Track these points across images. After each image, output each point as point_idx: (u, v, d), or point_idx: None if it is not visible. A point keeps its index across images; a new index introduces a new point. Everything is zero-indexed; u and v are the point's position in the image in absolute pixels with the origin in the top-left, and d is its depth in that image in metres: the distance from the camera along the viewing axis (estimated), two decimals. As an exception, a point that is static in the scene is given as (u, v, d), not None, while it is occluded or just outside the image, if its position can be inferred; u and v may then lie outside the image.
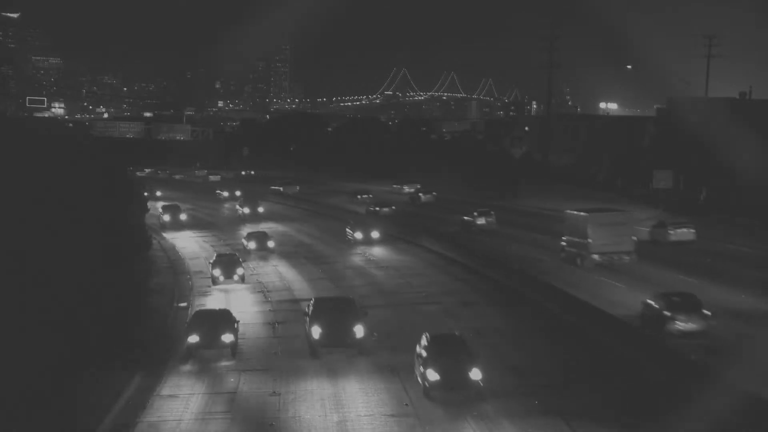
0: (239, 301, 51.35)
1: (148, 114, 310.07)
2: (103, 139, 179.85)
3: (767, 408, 26.64)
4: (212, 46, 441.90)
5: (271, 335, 43.03)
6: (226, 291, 54.42)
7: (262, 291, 54.55)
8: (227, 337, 37.98)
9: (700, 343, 37.60)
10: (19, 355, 30.67)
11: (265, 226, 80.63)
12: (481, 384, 31.11)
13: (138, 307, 46.53)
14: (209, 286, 55.60)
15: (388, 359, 36.80)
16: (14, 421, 28.27)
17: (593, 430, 28.66)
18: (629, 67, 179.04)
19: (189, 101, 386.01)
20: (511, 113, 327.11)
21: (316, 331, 37.83)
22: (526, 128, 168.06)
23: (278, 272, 61.11)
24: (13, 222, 36.49)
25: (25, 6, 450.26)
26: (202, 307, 47.00)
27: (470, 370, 31.18)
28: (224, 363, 37.32)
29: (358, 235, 72.22)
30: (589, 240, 56.52)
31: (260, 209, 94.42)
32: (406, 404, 31.17)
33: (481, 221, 78.97)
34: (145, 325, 44.09)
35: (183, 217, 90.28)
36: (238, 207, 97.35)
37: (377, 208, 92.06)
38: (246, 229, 77.27)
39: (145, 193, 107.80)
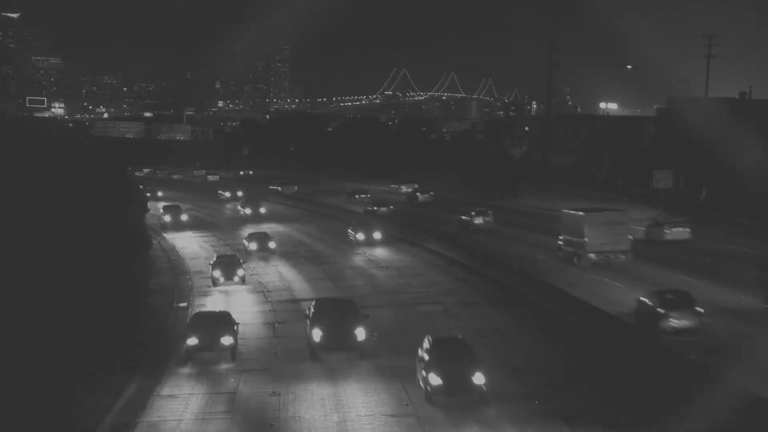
0: (239, 301, 51.37)
1: (148, 114, 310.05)
2: (103, 139, 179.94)
3: (767, 408, 26.64)
4: (212, 46, 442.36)
5: (271, 335, 43.03)
6: (226, 291, 54.41)
7: (262, 291, 54.55)
8: (227, 340, 37.54)
9: (694, 340, 37.90)
10: (19, 355, 30.65)
11: (266, 227, 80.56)
12: (485, 388, 30.53)
13: (138, 307, 46.53)
14: (209, 286, 55.58)
15: (388, 359, 36.78)
16: (14, 421, 28.26)
17: (593, 431, 28.70)
18: (629, 67, 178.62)
19: (189, 101, 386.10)
20: (511, 113, 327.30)
21: (316, 334, 37.29)
22: (526, 128, 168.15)
23: (278, 272, 61.10)
24: (13, 222, 36.46)
25: (25, 6, 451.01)
26: (202, 308, 47.03)
27: (473, 374, 30.48)
28: (224, 366, 37.02)
29: (360, 236, 71.76)
30: (586, 239, 56.90)
31: (262, 210, 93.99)
32: (406, 404, 31.13)
33: (478, 220, 79.74)
34: (145, 325, 44.12)
35: (184, 217, 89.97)
36: (239, 208, 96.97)
37: (375, 208, 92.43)
38: (247, 230, 77.21)
39: (147, 194, 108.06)
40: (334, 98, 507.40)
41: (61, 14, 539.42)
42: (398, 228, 77.09)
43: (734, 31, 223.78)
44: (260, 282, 57.31)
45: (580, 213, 59.29)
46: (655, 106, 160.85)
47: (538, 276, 51.14)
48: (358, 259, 66.27)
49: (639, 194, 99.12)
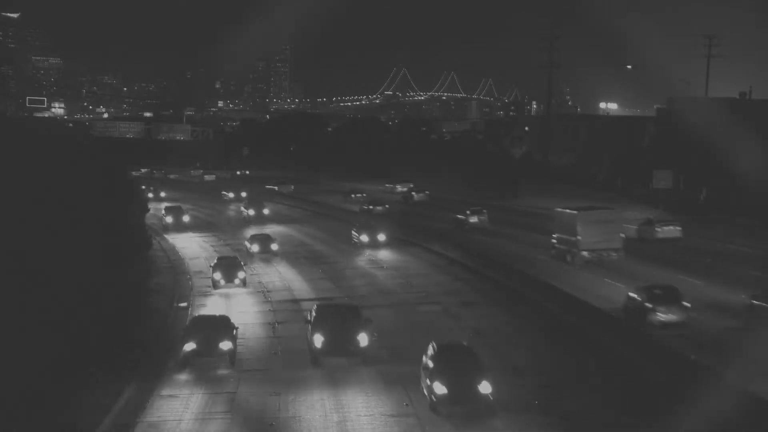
0: (239, 301, 51.35)
1: (148, 114, 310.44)
2: (103, 139, 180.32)
3: (767, 408, 26.64)
4: (212, 46, 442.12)
5: (271, 335, 43.02)
6: (226, 292, 54.32)
7: (262, 291, 54.50)
8: (225, 345, 36.39)
9: (681, 334, 38.72)
10: (19, 355, 30.64)
11: (267, 228, 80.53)
12: (491, 397, 29.50)
13: (138, 307, 46.49)
14: (209, 287, 55.50)
15: (387, 359, 36.77)
16: (14, 421, 28.26)
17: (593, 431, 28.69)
18: (629, 67, 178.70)
19: (189, 101, 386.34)
20: (511, 113, 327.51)
21: (318, 340, 36.16)
22: (526, 128, 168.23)
23: (278, 272, 61.06)
24: (13, 222, 36.45)
25: (25, 6, 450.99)
26: (203, 308, 47.00)
27: (480, 382, 29.45)
28: (223, 371, 36.07)
29: (364, 238, 70.81)
30: (579, 237, 57.77)
31: (265, 211, 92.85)
32: (406, 404, 31.11)
33: (473, 219, 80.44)
34: (145, 325, 44.07)
35: (186, 218, 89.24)
36: (242, 209, 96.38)
37: (371, 207, 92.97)
38: (249, 231, 77.09)
39: (150, 194, 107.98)
40: (334, 98, 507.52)
41: (61, 14, 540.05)
42: (397, 228, 77.11)
43: (734, 31, 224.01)
44: (260, 282, 57.27)
45: (574, 212, 60.09)
46: (655, 106, 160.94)
47: (538, 275, 51.19)
48: (359, 259, 66.26)
49: (639, 194, 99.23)
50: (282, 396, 32.45)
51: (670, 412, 28.07)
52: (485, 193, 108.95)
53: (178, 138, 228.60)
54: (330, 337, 36.10)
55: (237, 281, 54.65)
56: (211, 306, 49.65)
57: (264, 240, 68.44)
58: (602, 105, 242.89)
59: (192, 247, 75.42)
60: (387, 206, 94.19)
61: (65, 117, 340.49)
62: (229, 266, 55.64)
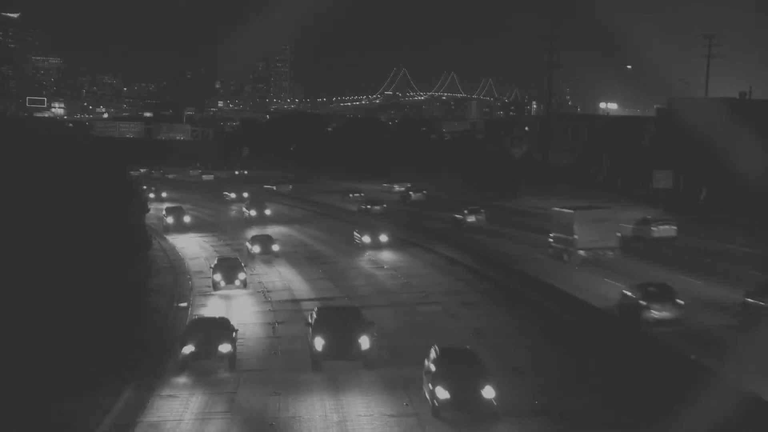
0: (239, 301, 51.34)
1: (148, 114, 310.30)
2: (103, 139, 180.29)
3: (767, 408, 26.63)
4: (212, 46, 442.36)
5: (271, 335, 43.02)
6: (226, 293, 54.27)
7: (262, 291, 54.48)
8: (225, 347, 35.75)
9: (674, 330, 39.09)
10: (19, 355, 30.65)
11: (268, 228, 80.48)
12: (495, 402, 28.95)
13: (138, 307, 46.49)
14: (209, 287, 55.45)
15: (388, 359, 36.76)
16: (14, 421, 28.27)
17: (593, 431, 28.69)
18: (629, 67, 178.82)
19: (189, 101, 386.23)
20: (511, 113, 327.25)
21: (319, 343, 35.58)
22: (526, 128, 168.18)
23: (278, 272, 61.07)
24: (13, 222, 36.45)
25: (25, 6, 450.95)
26: (203, 308, 46.96)
27: (483, 387, 28.89)
28: (222, 375, 35.63)
29: (366, 239, 70.48)
30: (575, 236, 58.30)
31: (267, 212, 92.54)
32: (406, 404, 31.10)
33: (471, 219, 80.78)
34: (145, 325, 44.07)
35: (187, 219, 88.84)
36: (244, 209, 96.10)
37: (369, 206, 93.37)
38: (251, 232, 77.03)
39: (151, 195, 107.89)
40: (334, 98, 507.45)
41: (61, 14, 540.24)
42: (397, 227, 77.12)
43: (734, 31, 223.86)
44: (260, 282, 57.25)
45: (570, 211, 60.57)
46: (655, 106, 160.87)
47: (538, 275, 51.21)
48: (359, 259, 66.26)
49: (639, 194, 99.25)
50: (282, 396, 32.44)
51: (670, 412, 28.07)
52: (485, 193, 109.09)
53: (178, 138, 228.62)
54: (331, 341, 35.63)
55: (237, 283, 54.31)
56: (211, 306, 49.67)
57: (265, 241, 68.28)
58: (602, 105, 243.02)
59: (192, 247, 75.40)
60: (385, 206, 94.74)
61: (65, 117, 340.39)
62: (229, 267, 55.27)
